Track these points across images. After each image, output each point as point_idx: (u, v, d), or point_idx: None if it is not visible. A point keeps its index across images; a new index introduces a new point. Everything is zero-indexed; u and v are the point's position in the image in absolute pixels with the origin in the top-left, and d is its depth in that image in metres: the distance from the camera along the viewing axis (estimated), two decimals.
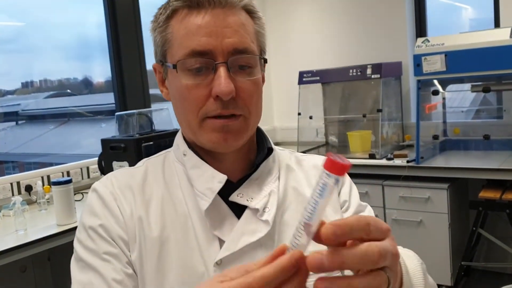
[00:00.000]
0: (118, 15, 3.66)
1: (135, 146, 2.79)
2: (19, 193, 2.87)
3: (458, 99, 4.21)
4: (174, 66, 0.84)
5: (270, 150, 0.93)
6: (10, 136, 5.70)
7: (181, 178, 0.89)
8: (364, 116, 3.83)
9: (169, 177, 0.91)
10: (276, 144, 1.29)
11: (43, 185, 2.90)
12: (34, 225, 2.45)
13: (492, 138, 3.55)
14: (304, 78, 3.98)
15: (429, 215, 3.35)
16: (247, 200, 0.85)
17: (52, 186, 2.44)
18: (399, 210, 3.44)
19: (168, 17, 0.85)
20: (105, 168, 2.82)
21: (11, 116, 5.57)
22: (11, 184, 2.87)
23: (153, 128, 3.16)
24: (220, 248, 0.83)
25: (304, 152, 1.04)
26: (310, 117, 4.04)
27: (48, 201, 2.79)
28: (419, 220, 3.38)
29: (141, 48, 3.90)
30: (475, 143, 3.71)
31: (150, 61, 4.10)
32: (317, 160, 1.02)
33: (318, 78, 3.91)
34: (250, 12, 0.87)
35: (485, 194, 3.18)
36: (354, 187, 1.00)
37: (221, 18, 0.81)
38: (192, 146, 0.90)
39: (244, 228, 0.84)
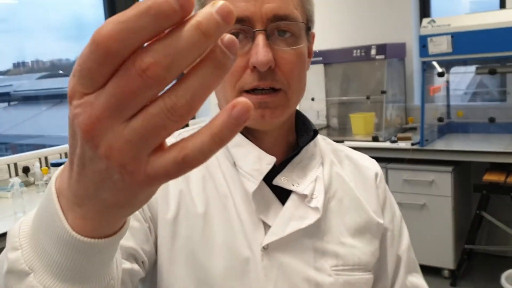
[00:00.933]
0: None
1: None
2: (16, 174, 2.79)
3: (456, 82, 4.16)
4: None
5: (316, 133, 0.88)
6: (2, 117, 5.59)
7: (219, 156, 0.83)
8: (368, 98, 3.77)
9: None
10: None
11: (41, 166, 2.82)
12: (33, 207, 2.36)
13: (496, 121, 3.52)
14: None
15: (433, 198, 3.32)
16: (293, 185, 0.80)
17: (51, 168, 2.37)
18: (403, 193, 3.40)
19: None
20: None
21: (3, 97, 5.46)
22: (8, 165, 2.78)
23: None
24: (265, 233, 0.78)
25: None
26: (312, 99, 3.97)
27: (46, 183, 2.71)
28: (422, 203, 3.35)
29: None
30: (479, 126, 3.67)
31: None
32: (349, 151, 0.98)
33: (320, 58, 3.83)
34: None
35: (489, 177, 3.15)
36: None
37: None
38: None
39: (291, 213, 0.79)
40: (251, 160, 0.80)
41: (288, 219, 0.79)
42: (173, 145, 0.30)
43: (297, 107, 0.90)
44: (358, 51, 3.64)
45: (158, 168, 0.30)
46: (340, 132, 4.02)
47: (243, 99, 0.29)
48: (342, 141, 3.51)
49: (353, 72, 4.03)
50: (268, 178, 0.80)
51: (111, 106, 0.29)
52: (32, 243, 0.39)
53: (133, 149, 0.29)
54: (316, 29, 0.87)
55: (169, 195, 0.78)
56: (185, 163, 0.30)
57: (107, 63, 0.28)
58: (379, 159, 3.70)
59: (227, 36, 0.30)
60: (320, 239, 0.82)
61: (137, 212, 0.73)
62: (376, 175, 0.95)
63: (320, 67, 4.05)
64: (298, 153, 0.85)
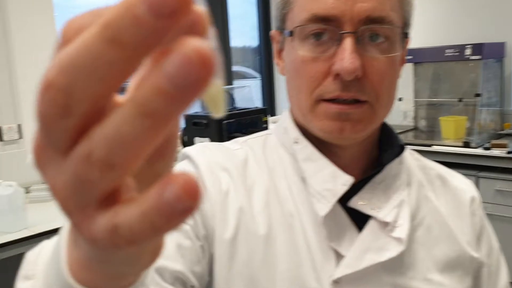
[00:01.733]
0: None
1: (216, 123, 2.80)
2: None
3: None
4: (291, 33, 0.69)
5: (402, 149, 0.77)
6: None
7: (287, 169, 0.74)
8: (460, 100, 3.54)
9: (272, 165, 0.76)
10: None
11: None
12: None
13: None
14: None
15: None
16: (372, 209, 0.70)
17: None
18: (494, 205, 3.16)
19: None
20: (187, 143, 2.82)
21: None
22: None
23: (235, 105, 3.11)
24: (336, 263, 0.68)
25: None
26: (400, 99, 3.80)
27: None
28: None
29: (226, 24, 3.83)
30: None
31: (233, 36, 4.04)
32: (440, 169, 0.85)
33: (411, 57, 3.65)
34: None
35: None
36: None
37: None
38: (305, 132, 0.75)
39: (369, 243, 0.69)
40: (323, 178, 0.70)
41: (365, 249, 0.68)
42: (116, 202, 0.23)
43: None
44: (451, 50, 3.43)
45: (98, 230, 0.22)
46: (429, 136, 3.82)
47: (187, 175, 0.20)
48: (430, 145, 3.34)
49: (444, 73, 3.80)
50: (343, 199, 0.70)
51: (40, 130, 0.22)
52: (44, 274, 0.33)
53: (72, 194, 0.22)
54: None
55: (228, 211, 0.69)
56: (116, 234, 0.21)
57: None
58: (469, 166, 3.46)
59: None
60: (403, 275, 0.71)
61: (189, 229, 0.66)
62: (473, 199, 0.82)
63: (409, 66, 3.87)
64: (380, 171, 0.73)
